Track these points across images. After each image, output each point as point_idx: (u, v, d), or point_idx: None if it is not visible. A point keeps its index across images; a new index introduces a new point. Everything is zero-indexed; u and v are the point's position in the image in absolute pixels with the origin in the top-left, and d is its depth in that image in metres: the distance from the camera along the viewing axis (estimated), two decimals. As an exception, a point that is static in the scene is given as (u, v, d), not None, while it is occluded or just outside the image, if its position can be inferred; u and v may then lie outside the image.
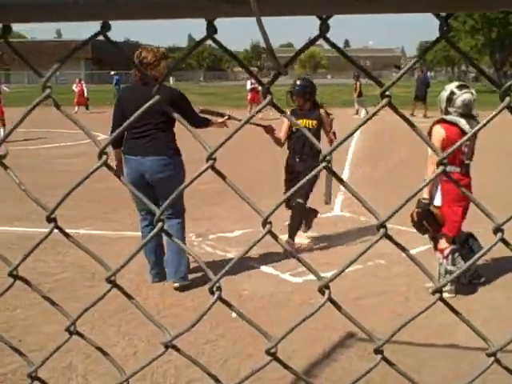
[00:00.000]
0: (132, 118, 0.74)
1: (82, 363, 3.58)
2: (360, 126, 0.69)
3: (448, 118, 4.52)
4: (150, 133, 4.61)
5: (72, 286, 4.90)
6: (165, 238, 4.63)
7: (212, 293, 0.73)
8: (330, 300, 0.72)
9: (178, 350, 0.74)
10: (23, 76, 61.11)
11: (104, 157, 0.73)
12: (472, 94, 4.55)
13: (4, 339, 0.93)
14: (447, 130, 4.45)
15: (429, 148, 0.71)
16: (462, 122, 4.44)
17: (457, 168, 4.51)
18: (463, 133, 4.38)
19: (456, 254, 4.62)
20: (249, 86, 22.03)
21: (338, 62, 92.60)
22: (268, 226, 0.71)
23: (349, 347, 3.79)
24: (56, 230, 0.78)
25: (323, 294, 0.72)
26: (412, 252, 5.27)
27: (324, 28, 0.59)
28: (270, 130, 5.39)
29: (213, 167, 0.68)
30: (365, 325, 0.78)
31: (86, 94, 25.04)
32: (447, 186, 4.41)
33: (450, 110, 4.52)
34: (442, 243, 4.63)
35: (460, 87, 4.58)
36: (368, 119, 0.69)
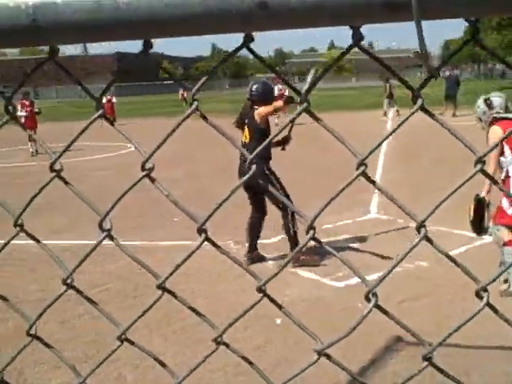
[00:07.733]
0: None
1: (131, 373, 3.63)
2: (396, 129, 0.69)
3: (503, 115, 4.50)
4: None
5: (117, 296, 4.99)
6: None
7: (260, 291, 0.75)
8: (377, 306, 0.72)
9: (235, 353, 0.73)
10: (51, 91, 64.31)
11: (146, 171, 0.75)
12: (501, 97, 4.65)
13: (53, 350, 0.96)
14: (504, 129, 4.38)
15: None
16: None
17: None
18: None
19: None
20: (276, 92, 21.95)
21: (362, 65, 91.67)
22: (311, 232, 0.71)
23: (397, 351, 3.74)
24: (106, 241, 0.82)
25: (369, 300, 0.71)
26: (453, 253, 5.16)
27: (358, 37, 0.60)
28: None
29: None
30: (411, 328, 0.78)
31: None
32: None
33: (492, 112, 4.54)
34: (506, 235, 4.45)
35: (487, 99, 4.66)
36: (403, 122, 0.69)
